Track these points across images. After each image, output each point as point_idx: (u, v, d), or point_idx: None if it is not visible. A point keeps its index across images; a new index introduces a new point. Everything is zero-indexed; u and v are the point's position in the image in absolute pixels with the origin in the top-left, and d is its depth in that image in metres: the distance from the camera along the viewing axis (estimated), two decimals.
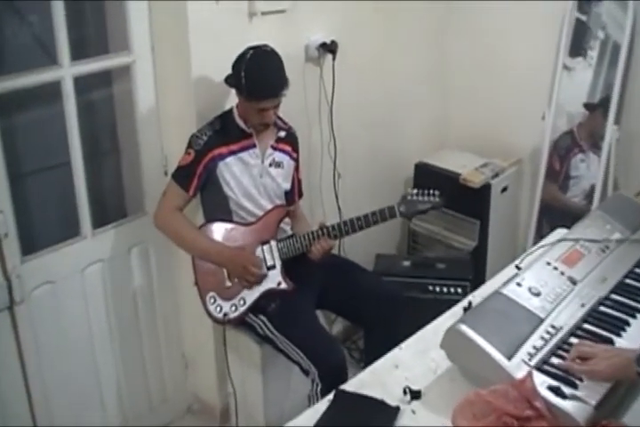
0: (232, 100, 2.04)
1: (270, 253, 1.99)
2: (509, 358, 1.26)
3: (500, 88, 2.82)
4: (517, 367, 1.26)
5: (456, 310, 1.60)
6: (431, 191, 1.96)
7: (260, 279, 1.96)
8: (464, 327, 1.30)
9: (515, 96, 2.78)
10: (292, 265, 2.00)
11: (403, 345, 1.52)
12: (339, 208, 2.57)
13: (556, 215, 2.66)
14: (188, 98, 2.05)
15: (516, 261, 1.69)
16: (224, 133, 1.95)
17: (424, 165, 2.84)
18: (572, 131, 2.64)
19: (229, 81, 1.92)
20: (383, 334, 2.02)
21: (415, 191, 1.97)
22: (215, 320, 2.00)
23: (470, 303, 1.59)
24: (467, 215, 2.75)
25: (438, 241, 2.84)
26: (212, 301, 1.98)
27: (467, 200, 2.69)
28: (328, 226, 1.95)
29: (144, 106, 2.10)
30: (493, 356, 1.26)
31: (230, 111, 2.01)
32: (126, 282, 2.21)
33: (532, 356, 1.28)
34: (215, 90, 2.07)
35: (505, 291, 1.41)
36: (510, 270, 1.67)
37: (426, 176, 2.78)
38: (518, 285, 1.43)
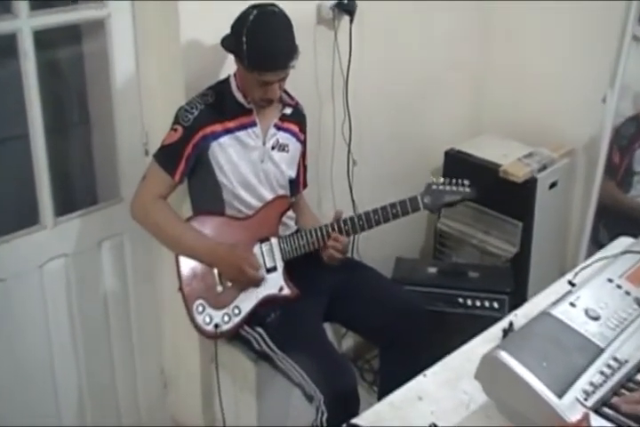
0: (229, 67, 2.03)
1: (270, 253, 2.00)
2: (560, 395, 1.22)
3: (551, 63, 2.82)
4: (570, 408, 1.22)
5: (494, 332, 1.58)
6: (460, 181, 2.00)
7: (258, 283, 1.97)
8: (505, 355, 1.25)
9: (569, 73, 2.78)
10: (296, 267, 2.01)
11: (428, 372, 1.49)
12: (352, 202, 2.59)
13: (616, 219, 2.66)
14: (176, 63, 2.05)
15: (568, 276, 1.68)
16: (219, 108, 1.95)
17: (456, 153, 2.84)
18: (637, 116, 2.61)
19: (227, 45, 1.91)
20: (402, 354, 2.04)
21: (442, 180, 2.00)
22: (204, 333, 2.00)
23: (511, 324, 1.57)
24: (507, 215, 2.75)
25: (471, 245, 2.85)
26: (201, 309, 1.97)
27: (507, 197, 2.68)
28: (340, 219, 1.97)
29: (121, 70, 2.09)
30: (540, 392, 1.21)
31: (227, 81, 2.01)
32: (95, 282, 2.22)
33: (588, 394, 1.24)
34: (209, 54, 2.06)
35: (555, 312, 1.36)
36: (561, 286, 1.65)
37: (458, 166, 2.80)
38: (572, 305, 1.38)
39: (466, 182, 2.00)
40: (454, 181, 2.00)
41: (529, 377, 1.23)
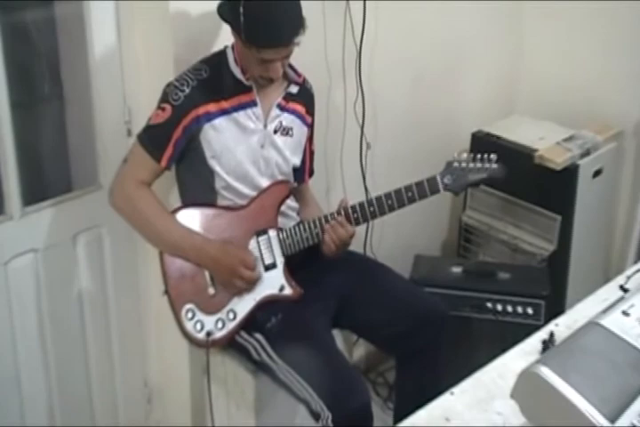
0: (226, 37, 2.00)
1: (269, 248, 1.99)
2: (612, 419, 1.19)
3: (595, 34, 2.81)
4: None
5: (531, 344, 1.57)
6: (486, 156, 2.00)
7: (255, 284, 1.97)
8: (547, 372, 1.21)
9: (616, 45, 2.78)
10: (299, 264, 2.01)
11: (456, 389, 1.47)
12: (365, 190, 2.60)
13: None
14: (164, 32, 2.04)
15: (619, 279, 1.69)
16: (213, 84, 1.95)
17: (485, 135, 2.84)
18: None
19: (223, 13, 1.90)
20: (422, 366, 2.05)
21: (465, 156, 2.01)
22: (194, 341, 2.00)
23: (552, 335, 1.56)
24: (543, 208, 2.74)
25: (501, 241, 2.84)
26: (190, 315, 1.97)
27: (544, 187, 2.69)
28: (348, 206, 1.98)
29: (101, 38, 2.08)
30: (589, 415, 1.18)
31: (223, 53, 2.00)
32: (69, 282, 2.21)
33: None
34: (203, 22, 2.06)
35: (605, 322, 1.32)
36: (610, 291, 1.65)
37: (486, 151, 2.79)
38: (625, 314, 1.35)
39: (492, 157, 2.00)
40: (479, 156, 2.01)
41: (575, 398, 1.19)
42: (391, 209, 1.97)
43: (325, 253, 1.99)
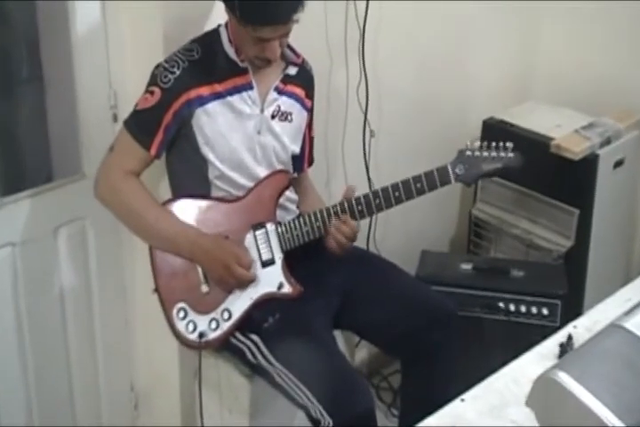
0: (220, 15, 2.00)
1: (266, 242, 2.00)
2: None
3: (617, 16, 2.81)
4: None
5: (548, 347, 1.57)
6: (502, 144, 2.00)
7: (250, 282, 1.97)
8: (566, 378, 1.20)
9: (638, 28, 2.79)
10: (298, 260, 2.01)
11: (467, 396, 1.47)
12: (369, 181, 2.62)
13: None
14: (153, 9, 2.04)
15: None
16: (206, 66, 1.95)
17: (497, 122, 2.85)
18: None
19: None
20: (429, 370, 2.06)
21: (478, 145, 2.00)
22: (186, 343, 2.00)
23: (571, 338, 1.56)
24: (560, 201, 2.75)
25: (514, 236, 2.85)
26: (182, 315, 1.98)
27: (560, 178, 2.69)
28: (353, 195, 1.98)
29: (84, 16, 2.08)
30: (610, 424, 1.18)
31: (216, 33, 2.00)
32: (49, 278, 2.21)
33: None
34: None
35: (629, 325, 1.31)
36: (632, 291, 1.68)
37: (499, 139, 2.85)
38: None
39: (508, 145, 1.99)
40: (493, 144, 2.00)
41: (596, 406, 1.19)
42: (398, 201, 1.96)
43: (331, 251, 1.99)
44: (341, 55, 2.45)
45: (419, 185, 1.95)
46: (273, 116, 2.02)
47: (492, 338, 2.44)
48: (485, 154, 1.99)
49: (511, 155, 2.00)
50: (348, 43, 2.45)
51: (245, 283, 1.95)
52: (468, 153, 1.99)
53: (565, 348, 1.52)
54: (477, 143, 2.01)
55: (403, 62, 2.66)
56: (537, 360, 1.52)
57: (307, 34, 2.09)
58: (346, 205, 1.96)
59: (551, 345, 1.56)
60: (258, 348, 1.96)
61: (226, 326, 1.96)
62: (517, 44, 3.03)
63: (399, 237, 2.74)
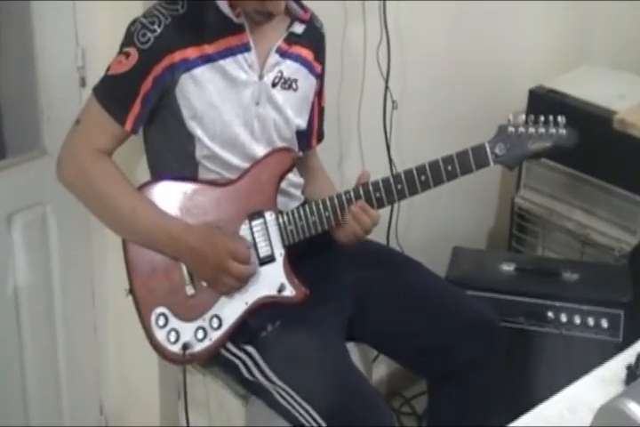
0: None
1: (265, 235, 1.99)
2: None
3: None
4: None
5: (611, 369, 1.57)
6: (552, 118, 1.99)
7: (248, 281, 1.97)
8: (636, 409, 1.21)
9: None
10: (303, 257, 2.01)
11: (514, 425, 1.45)
12: (390, 162, 2.64)
13: None
14: None
15: None
16: (193, 22, 1.94)
17: (547, 92, 2.88)
18: None
19: None
20: (463, 392, 2.07)
21: (523, 119, 1.99)
22: (167, 356, 2.01)
23: None
24: (623, 188, 2.75)
25: (567, 231, 2.86)
26: (162, 322, 1.98)
27: (625, 160, 2.69)
28: (369, 183, 1.98)
29: None
30: None
31: None
32: (1, 274, 2.22)
33: None
34: None
35: None
36: None
37: (548, 113, 2.87)
38: None
39: (560, 120, 1.97)
40: (541, 118, 1.98)
41: None
42: (425, 187, 1.95)
43: (343, 243, 2.00)
44: (358, 9, 2.45)
45: (449, 168, 1.93)
46: (274, 84, 2.02)
47: (539, 355, 2.43)
48: (532, 130, 1.97)
49: (563, 131, 1.97)
50: None
51: (245, 280, 1.94)
52: (511, 129, 1.97)
53: (634, 371, 1.51)
54: (522, 117, 1.98)
55: (431, 20, 2.66)
56: (598, 385, 1.51)
57: None
58: (361, 191, 1.95)
59: (616, 367, 1.56)
60: (254, 362, 1.97)
61: (215, 335, 1.96)
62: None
63: (425, 231, 2.78)
